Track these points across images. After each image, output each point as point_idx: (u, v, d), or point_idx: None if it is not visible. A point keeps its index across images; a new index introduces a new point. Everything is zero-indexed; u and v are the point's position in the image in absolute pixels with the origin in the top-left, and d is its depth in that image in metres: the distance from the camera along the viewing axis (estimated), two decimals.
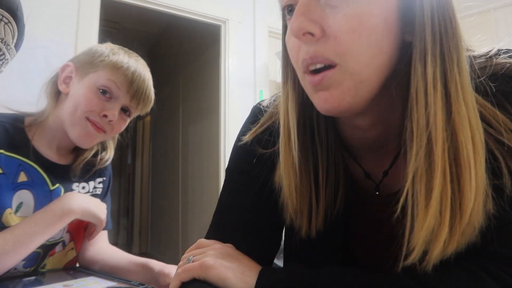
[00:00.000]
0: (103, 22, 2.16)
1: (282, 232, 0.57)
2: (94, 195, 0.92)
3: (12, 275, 0.76)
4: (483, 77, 0.42)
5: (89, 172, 0.90)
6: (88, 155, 0.89)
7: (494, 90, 0.41)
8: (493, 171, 0.38)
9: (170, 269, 0.78)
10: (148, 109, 0.89)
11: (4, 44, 0.52)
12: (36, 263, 0.81)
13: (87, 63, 0.82)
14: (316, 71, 0.40)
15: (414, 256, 0.36)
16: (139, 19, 3.50)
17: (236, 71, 2.62)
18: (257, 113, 0.58)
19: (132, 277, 0.80)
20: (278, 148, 0.51)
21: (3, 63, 0.54)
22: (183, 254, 0.51)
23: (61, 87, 0.82)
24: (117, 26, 3.71)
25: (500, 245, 0.39)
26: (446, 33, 0.37)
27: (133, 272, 0.83)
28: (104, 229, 0.91)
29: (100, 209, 0.84)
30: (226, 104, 2.56)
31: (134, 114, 0.88)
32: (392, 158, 0.49)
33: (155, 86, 0.89)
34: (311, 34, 0.39)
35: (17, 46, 0.56)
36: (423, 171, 0.36)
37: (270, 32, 2.79)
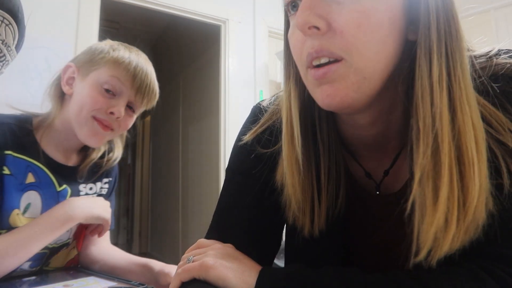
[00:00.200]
0: (103, 22, 2.16)
1: (282, 232, 0.57)
2: (100, 195, 0.92)
3: (18, 274, 0.77)
4: (484, 77, 0.42)
5: (96, 173, 0.90)
6: (96, 156, 0.89)
7: (495, 91, 0.42)
8: (493, 170, 0.39)
9: (170, 269, 0.78)
10: (154, 102, 0.89)
11: (5, 46, 0.52)
12: (42, 262, 0.82)
13: (88, 62, 0.82)
14: (319, 66, 0.40)
15: (424, 254, 0.37)
16: (139, 19, 3.50)
17: (236, 71, 2.61)
18: (257, 113, 0.58)
19: (132, 277, 0.80)
20: (279, 147, 0.51)
21: (3, 64, 0.54)
22: (183, 254, 0.51)
23: (65, 89, 0.82)
24: (117, 26, 3.71)
25: (499, 244, 0.39)
26: (450, 33, 0.37)
27: (133, 272, 0.83)
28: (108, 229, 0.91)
29: (104, 210, 0.84)
30: (226, 104, 2.56)
31: (140, 110, 0.88)
32: (393, 157, 0.49)
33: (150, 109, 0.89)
34: (317, 28, 0.39)
35: (18, 47, 0.56)
36: (430, 170, 0.36)
37: (270, 32, 2.79)
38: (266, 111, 0.57)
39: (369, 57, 0.39)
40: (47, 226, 0.73)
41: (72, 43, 1.93)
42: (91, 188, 0.90)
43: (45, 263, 0.83)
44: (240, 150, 0.57)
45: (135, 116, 0.88)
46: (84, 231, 0.89)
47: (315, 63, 0.41)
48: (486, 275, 0.38)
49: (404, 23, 0.40)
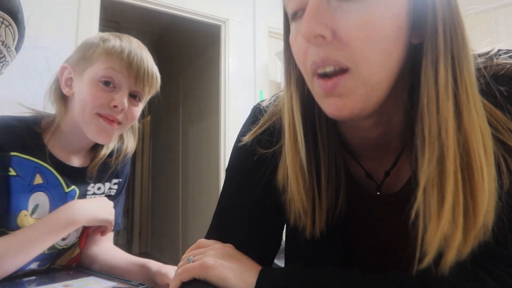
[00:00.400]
0: (103, 22, 2.16)
1: (282, 232, 0.57)
2: (108, 196, 0.92)
3: (25, 273, 0.77)
4: (485, 78, 0.42)
5: (106, 173, 0.89)
6: (105, 154, 0.87)
7: (496, 91, 0.42)
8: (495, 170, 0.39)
9: (168, 269, 0.78)
10: (157, 87, 0.85)
11: (5, 47, 0.52)
12: (49, 262, 0.82)
13: (81, 59, 0.80)
14: (326, 75, 0.40)
15: (428, 261, 0.36)
16: (139, 19, 3.50)
17: (236, 71, 2.61)
18: (257, 113, 0.58)
19: (131, 277, 0.80)
20: (279, 148, 0.51)
21: (3, 65, 0.54)
22: (183, 254, 0.51)
23: (65, 91, 0.81)
24: (117, 26, 3.71)
25: (499, 244, 0.39)
26: (456, 39, 0.37)
27: (132, 272, 0.83)
28: (115, 229, 0.91)
29: (107, 212, 0.84)
30: (226, 104, 2.56)
31: (145, 97, 0.85)
32: (394, 158, 0.49)
33: (155, 96, 0.88)
34: (322, 37, 0.38)
35: (18, 48, 0.56)
36: (435, 178, 0.36)
37: (270, 32, 2.79)
38: (266, 111, 0.57)
39: (376, 67, 0.38)
40: (49, 229, 0.73)
41: (72, 43, 1.93)
42: (99, 188, 0.89)
43: (52, 262, 0.83)
44: (240, 151, 0.57)
45: (141, 105, 0.85)
46: (87, 230, 0.89)
47: (320, 71, 0.40)
48: (486, 275, 0.38)
49: (408, 27, 0.39)
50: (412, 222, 0.38)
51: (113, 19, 3.52)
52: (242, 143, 0.56)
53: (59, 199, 0.80)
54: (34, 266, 0.79)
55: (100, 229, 0.86)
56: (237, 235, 0.52)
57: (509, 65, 0.44)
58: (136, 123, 0.91)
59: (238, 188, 0.56)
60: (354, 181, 0.53)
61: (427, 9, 0.38)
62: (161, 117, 4.39)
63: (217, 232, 0.54)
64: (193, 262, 0.47)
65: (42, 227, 0.72)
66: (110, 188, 0.93)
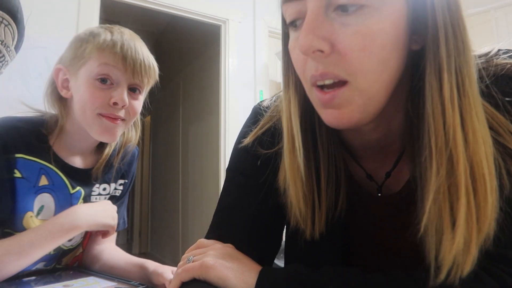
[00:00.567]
0: (103, 22, 2.15)
1: (282, 232, 0.57)
2: (113, 196, 0.91)
3: (31, 272, 0.77)
4: (485, 79, 0.42)
5: (111, 173, 0.89)
6: (107, 155, 0.86)
7: (496, 92, 0.41)
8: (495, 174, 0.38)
9: (164, 269, 0.77)
10: (156, 76, 0.82)
11: (4, 46, 0.52)
12: (55, 262, 0.83)
13: (74, 58, 0.76)
14: (324, 87, 0.40)
15: (444, 275, 0.36)
16: (139, 19, 3.50)
17: (236, 71, 2.61)
18: (257, 113, 0.58)
19: (129, 277, 0.80)
20: (279, 149, 0.51)
21: (3, 64, 0.54)
22: (183, 254, 0.51)
23: (63, 93, 0.79)
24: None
25: (500, 245, 0.39)
26: (457, 47, 0.37)
27: (130, 272, 0.83)
28: (119, 229, 0.91)
29: (110, 216, 0.83)
30: (226, 104, 2.56)
31: (145, 89, 0.82)
32: (394, 159, 0.49)
33: (155, 86, 0.86)
34: (321, 51, 0.38)
35: (17, 47, 0.56)
36: (445, 190, 0.36)
37: (270, 32, 2.79)
38: (266, 111, 0.57)
39: (374, 78, 0.38)
40: (51, 234, 0.72)
41: None
42: (104, 189, 0.89)
43: (58, 262, 0.84)
44: (241, 151, 0.57)
45: (141, 97, 0.82)
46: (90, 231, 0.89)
47: (319, 83, 0.40)
48: (486, 275, 0.38)
49: (407, 35, 0.39)
50: (412, 232, 0.37)
51: (113, 19, 3.51)
52: (243, 143, 0.56)
53: (64, 200, 0.79)
54: (40, 266, 0.79)
55: (102, 231, 0.86)
56: (237, 235, 0.52)
57: (509, 65, 0.43)
58: (138, 117, 0.88)
59: (238, 189, 0.56)
60: (354, 182, 0.53)
61: (427, 16, 0.37)
62: (161, 117, 4.39)
63: (217, 232, 0.54)
64: (193, 262, 0.47)
65: (45, 232, 0.72)
66: (115, 189, 0.92)
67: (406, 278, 0.40)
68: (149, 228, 4.61)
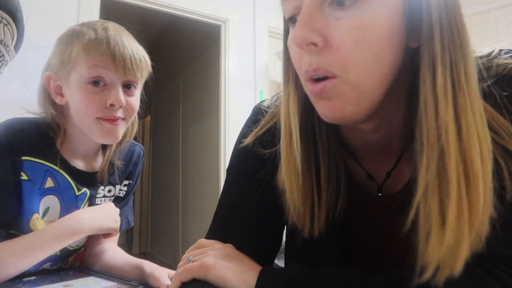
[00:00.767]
0: None
1: (282, 232, 0.57)
2: (117, 197, 0.91)
3: (35, 272, 0.77)
4: (487, 80, 0.42)
5: (115, 175, 0.88)
6: (109, 156, 0.86)
7: (497, 92, 0.41)
8: (494, 174, 0.38)
9: (160, 272, 0.75)
10: (149, 68, 0.79)
11: (4, 46, 0.52)
12: (61, 261, 0.83)
13: (61, 64, 0.74)
14: (316, 79, 0.40)
15: (431, 272, 0.35)
16: (139, 19, 3.50)
17: (236, 71, 2.62)
18: (258, 113, 0.58)
19: (127, 277, 0.80)
20: (280, 149, 0.51)
21: (2, 64, 0.54)
22: (183, 254, 0.51)
23: (57, 100, 0.77)
24: None
25: (500, 245, 0.39)
26: (453, 42, 0.36)
27: (128, 272, 0.83)
28: (123, 229, 0.91)
29: (112, 219, 0.83)
30: (226, 104, 2.56)
31: (140, 83, 0.80)
32: (395, 159, 0.49)
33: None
34: (314, 44, 0.38)
35: (17, 47, 0.56)
36: (435, 185, 0.35)
37: (270, 32, 2.79)
38: (267, 111, 0.57)
39: (366, 72, 0.38)
40: (54, 238, 0.72)
41: None
42: (109, 191, 0.89)
43: (64, 262, 0.84)
44: (241, 151, 0.57)
45: (137, 92, 0.79)
46: None
47: (313, 78, 0.41)
48: (486, 275, 0.38)
49: (404, 32, 0.39)
50: (409, 231, 0.37)
51: (113, 19, 3.51)
52: (243, 143, 0.56)
53: (69, 201, 0.79)
54: (46, 266, 0.79)
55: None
56: (237, 235, 0.52)
57: (511, 65, 0.43)
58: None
59: (238, 188, 0.56)
60: (355, 181, 0.53)
61: (422, 11, 0.37)
62: (161, 117, 4.39)
63: (217, 232, 0.54)
64: (193, 262, 0.47)
65: (47, 235, 0.72)
66: (120, 190, 0.92)
67: (406, 278, 0.40)
68: (149, 228, 4.61)
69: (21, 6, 0.54)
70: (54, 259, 0.79)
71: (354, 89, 0.39)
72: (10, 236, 0.72)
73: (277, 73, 2.83)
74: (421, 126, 0.37)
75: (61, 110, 0.78)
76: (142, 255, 4.24)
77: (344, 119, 0.41)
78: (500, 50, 0.45)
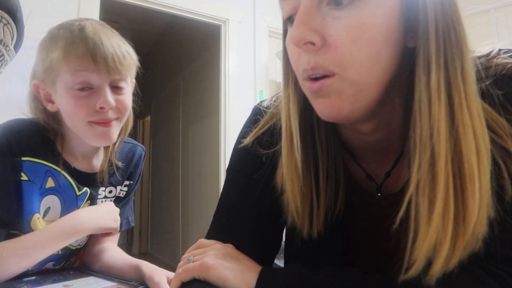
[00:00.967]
0: None
1: (282, 232, 0.57)
2: (118, 197, 0.92)
3: (35, 272, 0.78)
4: (486, 80, 0.42)
5: (115, 176, 0.88)
6: (107, 156, 0.86)
7: (496, 92, 0.41)
8: (494, 175, 0.38)
9: (160, 279, 0.73)
10: (136, 62, 0.77)
11: (3, 46, 0.52)
12: (64, 261, 0.83)
13: (45, 71, 0.72)
14: (314, 78, 0.40)
15: (416, 269, 0.36)
16: (139, 19, 3.50)
17: (236, 71, 2.62)
18: (257, 113, 0.58)
19: (127, 278, 0.80)
20: (279, 149, 0.51)
21: (2, 64, 0.54)
22: (183, 254, 0.51)
23: (49, 107, 0.76)
24: (117, 26, 3.71)
25: (500, 245, 0.39)
26: (450, 41, 0.36)
27: (128, 273, 0.83)
28: (123, 229, 0.91)
29: (112, 219, 0.83)
30: (226, 104, 2.56)
31: (129, 79, 0.77)
32: (394, 159, 0.49)
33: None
34: (312, 43, 0.38)
35: (17, 47, 0.56)
36: (426, 184, 0.36)
37: (270, 32, 2.79)
38: (266, 111, 0.57)
39: (364, 70, 0.38)
40: (54, 237, 0.73)
41: None
42: (110, 191, 0.89)
43: (67, 261, 0.84)
44: (241, 151, 0.57)
45: (128, 89, 0.77)
46: None
47: (311, 77, 0.41)
48: (486, 275, 0.38)
49: (402, 31, 0.39)
50: (399, 228, 0.37)
51: (113, 19, 3.52)
52: (243, 143, 0.56)
53: (70, 201, 0.79)
54: (48, 266, 0.80)
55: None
56: (237, 235, 0.52)
57: (510, 65, 0.43)
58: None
59: (238, 189, 0.56)
60: (354, 181, 0.53)
61: (419, 11, 0.37)
62: (161, 117, 4.39)
63: (218, 232, 0.54)
64: (193, 262, 0.47)
65: (48, 235, 0.72)
66: (121, 190, 0.92)
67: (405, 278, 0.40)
68: (149, 228, 4.61)
69: (21, 6, 0.54)
70: (56, 258, 0.80)
71: (352, 86, 0.39)
72: (10, 236, 0.72)
73: (277, 73, 2.83)
74: (415, 125, 0.37)
75: (53, 116, 0.78)
76: (142, 255, 4.24)
77: (341, 117, 0.41)
78: (500, 50, 0.45)
